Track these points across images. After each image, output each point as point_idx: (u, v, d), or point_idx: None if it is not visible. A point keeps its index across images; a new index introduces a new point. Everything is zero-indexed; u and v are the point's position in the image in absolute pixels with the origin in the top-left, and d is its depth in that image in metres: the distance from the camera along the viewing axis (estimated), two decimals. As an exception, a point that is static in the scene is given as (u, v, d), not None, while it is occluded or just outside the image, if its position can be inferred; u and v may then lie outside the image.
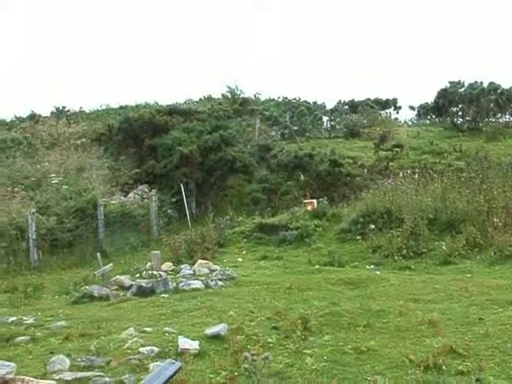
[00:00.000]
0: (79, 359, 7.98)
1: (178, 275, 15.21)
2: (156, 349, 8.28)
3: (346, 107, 40.62)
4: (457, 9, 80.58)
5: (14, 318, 11.60)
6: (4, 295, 15.32)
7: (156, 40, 76.28)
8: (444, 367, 7.24)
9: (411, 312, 9.90)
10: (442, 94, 35.40)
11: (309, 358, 7.71)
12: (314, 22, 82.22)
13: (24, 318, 11.64)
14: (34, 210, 19.75)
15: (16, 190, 23.00)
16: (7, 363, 7.43)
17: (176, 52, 75.76)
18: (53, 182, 24.10)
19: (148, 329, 9.62)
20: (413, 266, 15.15)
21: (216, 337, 8.81)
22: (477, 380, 6.94)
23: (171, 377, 1.60)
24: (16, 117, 36.32)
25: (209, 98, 38.22)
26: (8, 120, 36.25)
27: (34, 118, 35.22)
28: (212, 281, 13.85)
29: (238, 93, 35.01)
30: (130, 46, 76.91)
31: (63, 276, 17.79)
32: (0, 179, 24.05)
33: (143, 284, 13.65)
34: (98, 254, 16.36)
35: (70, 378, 7.32)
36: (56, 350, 8.82)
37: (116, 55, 76.37)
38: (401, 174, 23.41)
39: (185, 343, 8.32)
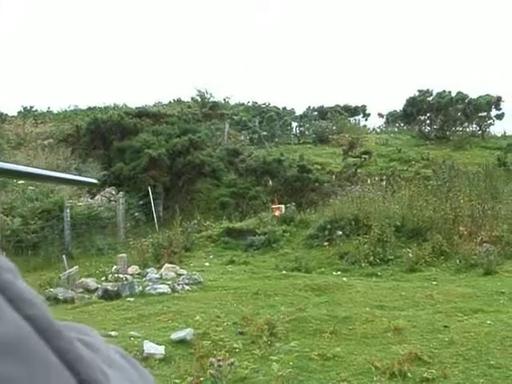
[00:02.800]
0: (42, 363, 7.87)
1: (144, 279, 15.10)
2: (121, 353, 8.20)
3: (315, 113, 40.83)
4: (426, 19, 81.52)
5: (-24, 321, 11.42)
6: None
7: (126, 42, 76.07)
8: (409, 374, 7.28)
9: (377, 319, 9.94)
10: (411, 102, 35.74)
11: (275, 364, 7.68)
12: (284, 29, 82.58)
13: (-14, 320, 11.47)
14: (-2, 211, 19.52)
15: (-19, 189, 22.71)
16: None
17: (146, 54, 75.57)
18: (18, 182, 23.82)
19: (113, 333, 9.53)
20: (379, 273, 15.20)
21: (182, 342, 8.76)
22: (441, 387, 6.99)
23: None
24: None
25: (178, 101, 38.17)
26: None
27: (0, 117, 34.82)
28: (179, 285, 13.77)
29: (208, 97, 35.00)
30: (99, 46, 76.54)
31: (28, 278, 17.31)
32: (-36, 179, 23.72)
33: (109, 287, 13.53)
34: (64, 257, 16.20)
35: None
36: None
37: (85, 56, 75.92)
38: (369, 181, 23.55)
39: (150, 348, 8.25)
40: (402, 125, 39.24)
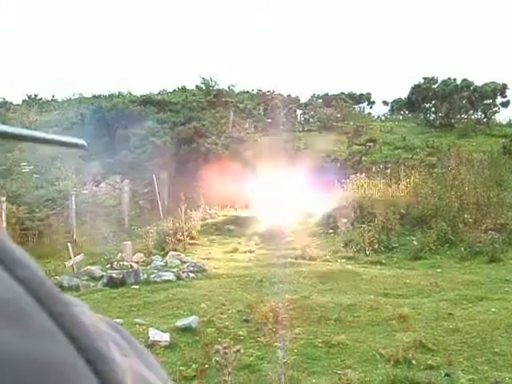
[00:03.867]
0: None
1: (149, 266, 15.15)
2: (126, 340, 8.23)
3: (320, 101, 40.67)
4: (432, 6, 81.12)
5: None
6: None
7: (131, 29, 75.89)
8: (414, 362, 7.30)
9: (382, 306, 9.96)
10: (416, 89, 35.62)
11: (279, 351, 7.71)
12: (289, 17, 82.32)
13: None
14: (3, 199, 19.51)
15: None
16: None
17: (151, 42, 75.38)
18: (24, 170, 23.87)
19: (118, 320, 9.53)
20: (384, 261, 15.21)
21: (187, 329, 8.79)
22: (446, 374, 7.00)
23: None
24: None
25: (183, 89, 38.03)
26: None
27: (4, 105, 34.81)
28: (183, 273, 13.80)
29: (213, 84, 34.88)
30: (104, 34, 76.38)
31: (33, 266, 17.62)
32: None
33: (114, 275, 13.55)
34: (69, 245, 16.21)
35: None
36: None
37: (90, 44, 75.80)
38: (373, 169, 23.51)
39: (155, 335, 8.28)
40: (406, 112, 39.12)
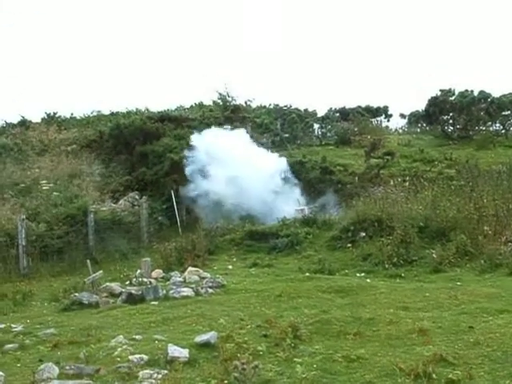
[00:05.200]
0: (68, 367, 7.93)
1: (168, 282, 15.17)
2: (145, 357, 8.24)
3: (337, 115, 40.62)
4: (448, 17, 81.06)
5: (2, 326, 11.54)
6: (-7, 302, 15.24)
7: (148, 46, 76.39)
8: (434, 376, 7.23)
9: (401, 320, 9.90)
10: (433, 102, 35.48)
11: (299, 367, 7.68)
12: (305, 30, 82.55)
13: (13, 325, 11.58)
14: (23, 217, 19.66)
15: (6, 196, 22.92)
16: (-5, 371, 7.40)
17: (168, 58, 75.83)
18: (43, 188, 24.04)
19: (137, 336, 9.58)
20: (403, 274, 15.13)
21: (206, 345, 8.78)
22: (467, 389, 6.95)
23: None
24: (6, 123, 36.16)
25: (200, 105, 38.16)
26: (-2, 126, 36.12)
27: (24, 123, 35.09)
28: (202, 288, 13.82)
29: (230, 100, 34.95)
30: (121, 52, 76.98)
31: (53, 283, 17.70)
32: (-10, 186, 23.95)
33: (133, 291, 13.60)
34: (88, 261, 16.29)
35: (58, 387, 7.27)
36: (45, 357, 8.78)
37: (108, 61, 76.39)
38: (391, 182, 23.44)
39: (174, 351, 8.28)
40: (424, 125, 38.95)
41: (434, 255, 15.70)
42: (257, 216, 22.98)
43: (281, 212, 21.84)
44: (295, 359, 8.12)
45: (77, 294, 14.12)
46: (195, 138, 25.98)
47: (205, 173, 23.98)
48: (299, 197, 24.15)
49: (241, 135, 26.75)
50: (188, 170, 24.53)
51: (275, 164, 25.47)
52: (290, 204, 23.35)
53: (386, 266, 15.83)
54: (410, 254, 16.17)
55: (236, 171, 23.35)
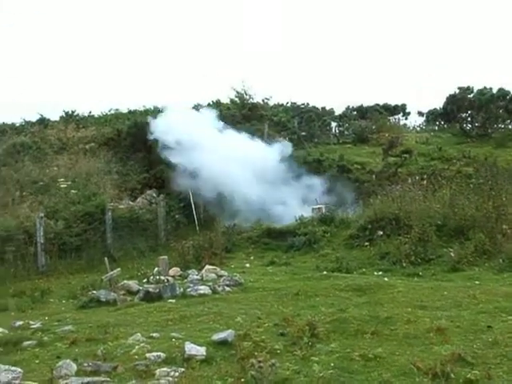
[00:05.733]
0: (86, 364, 7.96)
1: (185, 280, 15.22)
2: (163, 354, 8.25)
3: (355, 113, 40.54)
4: (467, 15, 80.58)
5: (21, 323, 11.62)
6: (11, 299, 15.35)
7: (166, 44, 76.54)
8: (452, 375, 7.18)
9: (419, 319, 9.85)
10: (451, 99, 35.31)
11: (316, 365, 7.66)
12: (323, 28, 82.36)
13: (31, 322, 11.66)
14: (42, 215, 19.78)
15: (24, 194, 23.07)
16: (14, 368, 7.45)
17: (185, 56, 75.95)
18: (61, 186, 24.16)
19: (155, 334, 9.60)
20: (421, 273, 15.07)
21: (223, 343, 8.79)
22: (485, 388, 6.90)
23: None
24: (25, 121, 36.32)
25: (217, 103, 38.15)
26: (17, 124, 36.28)
27: (43, 122, 35.25)
28: (219, 286, 13.84)
29: (247, 98, 34.93)
30: (139, 49, 77.20)
31: (71, 280, 17.82)
32: (9, 183, 24.10)
33: (150, 289, 13.64)
34: (106, 259, 16.36)
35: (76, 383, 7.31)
36: (63, 354, 8.82)
37: (126, 59, 76.60)
38: (409, 180, 23.33)
39: (192, 349, 8.29)
40: (442, 123, 38.77)
41: (452, 254, 15.61)
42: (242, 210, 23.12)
43: (278, 205, 22.00)
44: (312, 358, 8.09)
45: (94, 292, 14.20)
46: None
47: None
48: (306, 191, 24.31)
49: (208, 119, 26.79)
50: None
51: (262, 154, 25.43)
52: (292, 197, 23.47)
53: (404, 264, 15.77)
54: (427, 252, 16.10)
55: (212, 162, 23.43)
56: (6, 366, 7.37)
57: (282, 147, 26.78)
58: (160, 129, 25.50)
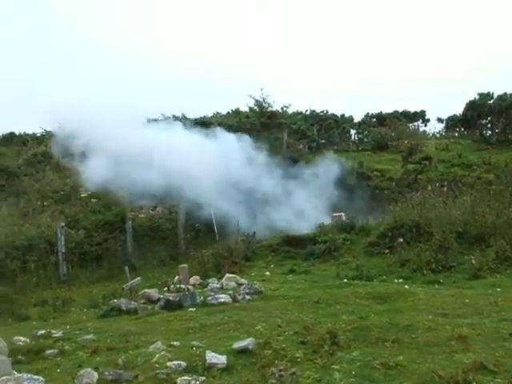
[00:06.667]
0: (107, 373, 7.99)
1: (205, 289, 15.24)
2: (183, 363, 8.26)
3: (374, 120, 40.51)
4: (484, 22, 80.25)
5: (42, 332, 11.68)
6: (33, 308, 15.47)
7: (183, 52, 76.74)
8: (474, 383, 7.14)
9: (440, 327, 9.79)
10: (471, 106, 35.21)
11: (337, 374, 7.65)
12: (342, 35, 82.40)
13: (53, 331, 11.72)
14: (63, 224, 19.92)
15: (45, 203, 23.23)
16: (36, 376, 7.50)
17: (202, 65, 76.15)
18: (82, 195, 24.31)
19: (175, 343, 9.62)
20: (442, 280, 14.99)
21: (244, 351, 8.78)
22: (508, 397, 6.85)
23: None
24: (46, 131, 36.64)
25: (236, 112, 38.25)
26: (38, 134, 36.60)
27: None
28: (239, 295, 13.83)
29: (266, 106, 35.01)
30: (156, 57, 77.42)
31: (92, 289, 17.90)
32: (30, 193, 24.29)
33: (171, 298, 13.67)
34: (126, 268, 16.42)
35: (97, 392, 7.34)
36: (84, 363, 8.86)
37: (144, 67, 76.86)
38: (429, 187, 23.25)
39: (212, 358, 8.29)
40: (462, 129, 38.67)
41: (473, 261, 15.53)
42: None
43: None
44: (333, 366, 8.07)
45: (115, 301, 14.26)
46: None
47: None
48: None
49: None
50: None
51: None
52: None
53: (425, 271, 15.70)
54: (448, 259, 16.02)
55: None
56: (29, 375, 7.42)
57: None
58: None
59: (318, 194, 25.43)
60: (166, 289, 15.48)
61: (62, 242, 19.51)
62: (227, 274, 16.18)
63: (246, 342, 8.98)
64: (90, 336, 10.84)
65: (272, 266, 19.02)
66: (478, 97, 35.30)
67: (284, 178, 26.24)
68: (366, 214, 22.46)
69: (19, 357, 9.58)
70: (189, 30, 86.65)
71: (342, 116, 41.57)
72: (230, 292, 14.23)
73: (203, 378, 7.67)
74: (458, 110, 37.72)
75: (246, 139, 27.17)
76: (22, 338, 10.90)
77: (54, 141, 27.38)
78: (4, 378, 6.98)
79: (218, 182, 23.93)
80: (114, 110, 24.24)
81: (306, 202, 24.88)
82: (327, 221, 21.57)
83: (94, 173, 22.70)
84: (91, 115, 23.73)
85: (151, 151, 23.43)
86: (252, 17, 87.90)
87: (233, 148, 25.89)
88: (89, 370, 8.01)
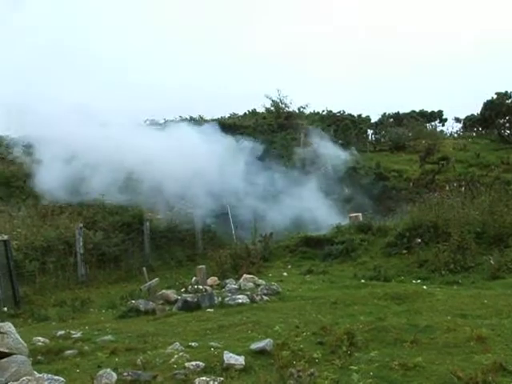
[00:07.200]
0: (126, 373, 8.02)
1: (223, 290, 15.26)
2: (202, 364, 8.27)
3: (391, 120, 40.38)
4: (502, 20, 79.75)
5: (62, 332, 11.74)
6: (53, 309, 15.56)
7: (199, 53, 76.79)
8: (493, 385, 7.10)
9: (459, 328, 9.74)
10: (489, 105, 35.02)
11: (355, 375, 7.62)
12: (359, 36, 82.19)
13: (72, 331, 11.78)
14: (81, 225, 20.02)
15: (64, 205, 23.34)
16: (56, 377, 7.53)
17: (220, 66, 76.16)
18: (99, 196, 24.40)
19: (194, 344, 9.64)
20: (460, 281, 14.92)
21: (261, 352, 8.78)
22: (527, 398, 6.81)
23: None
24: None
25: (253, 113, 38.26)
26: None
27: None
28: (257, 295, 13.84)
29: (283, 107, 34.97)
30: (173, 59, 77.52)
31: (110, 290, 17.98)
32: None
33: (189, 299, 13.69)
34: (144, 269, 16.49)
35: (116, 393, 7.37)
36: (103, 363, 8.90)
37: (160, 70, 77.03)
38: (447, 187, 23.17)
39: (230, 358, 8.30)
40: (480, 129, 38.47)
41: (492, 261, 15.43)
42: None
43: None
44: (351, 367, 8.05)
45: (133, 301, 14.30)
46: None
47: None
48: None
49: None
50: None
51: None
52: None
53: (443, 272, 15.63)
54: (466, 260, 15.94)
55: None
56: (49, 375, 7.45)
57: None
58: None
59: (333, 194, 25.38)
60: (183, 290, 15.53)
61: (81, 244, 19.62)
62: (245, 275, 16.19)
63: (264, 343, 8.99)
64: (109, 337, 10.89)
65: (289, 266, 19.01)
66: (495, 96, 35.10)
67: (299, 178, 26.21)
68: (383, 214, 22.42)
69: (39, 357, 9.63)
70: (201, 29, 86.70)
71: (359, 116, 41.46)
72: (248, 293, 14.24)
73: (221, 378, 7.68)
74: (476, 109, 37.58)
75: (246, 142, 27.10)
76: (42, 339, 10.97)
77: None
78: (25, 378, 7.02)
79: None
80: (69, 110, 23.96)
81: (321, 202, 24.82)
82: (344, 221, 21.53)
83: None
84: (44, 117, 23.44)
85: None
86: (265, 18, 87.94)
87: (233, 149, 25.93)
88: (108, 370, 8.04)
